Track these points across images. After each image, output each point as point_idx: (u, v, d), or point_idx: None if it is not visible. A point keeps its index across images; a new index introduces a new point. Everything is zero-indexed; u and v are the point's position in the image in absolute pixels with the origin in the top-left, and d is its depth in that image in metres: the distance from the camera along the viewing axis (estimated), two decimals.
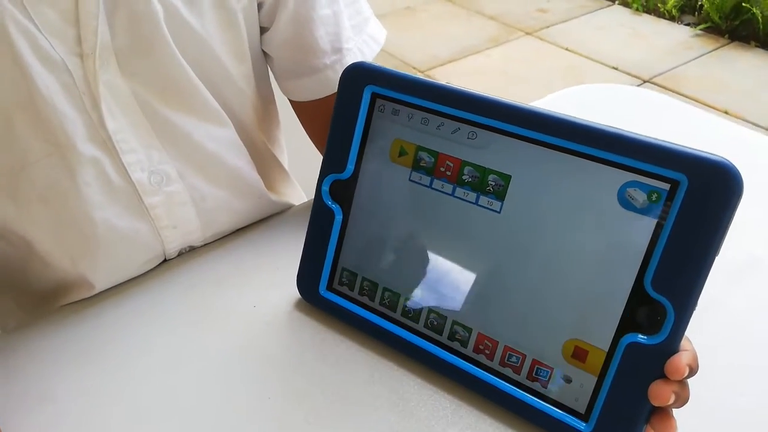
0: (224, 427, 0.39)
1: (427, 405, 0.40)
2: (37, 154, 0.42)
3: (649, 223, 0.33)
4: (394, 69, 0.39)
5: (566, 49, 2.62)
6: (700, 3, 2.77)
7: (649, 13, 2.89)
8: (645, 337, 0.33)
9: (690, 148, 0.32)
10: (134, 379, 0.42)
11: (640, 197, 0.33)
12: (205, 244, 0.54)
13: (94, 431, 0.39)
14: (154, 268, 0.52)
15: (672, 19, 2.81)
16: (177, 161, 0.48)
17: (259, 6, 0.49)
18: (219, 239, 0.55)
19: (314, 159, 0.59)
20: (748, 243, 0.52)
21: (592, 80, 2.39)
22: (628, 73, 2.42)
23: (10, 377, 0.43)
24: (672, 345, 0.33)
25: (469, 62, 2.56)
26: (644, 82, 2.37)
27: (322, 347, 0.44)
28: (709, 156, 0.31)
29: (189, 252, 0.54)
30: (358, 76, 0.40)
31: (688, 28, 2.74)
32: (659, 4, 2.86)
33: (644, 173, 0.33)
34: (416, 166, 0.40)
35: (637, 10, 2.91)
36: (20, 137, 0.41)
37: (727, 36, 2.62)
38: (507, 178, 0.36)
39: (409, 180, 0.40)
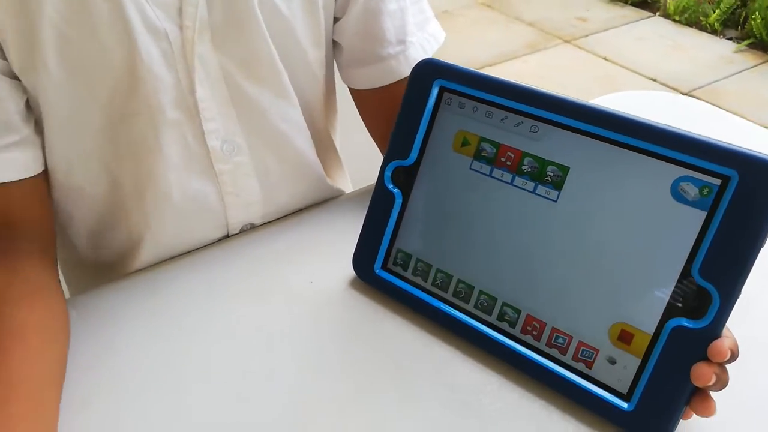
0: (281, 393, 0.42)
1: (475, 381, 0.43)
2: (131, 111, 0.47)
3: (699, 215, 0.35)
4: (462, 66, 0.42)
5: (604, 59, 2.61)
6: (743, 18, 2.74)
7: (691, 26, 2.87)
8: (690, 322, 0.36)
9: (741, 146, 0.34)
10: (195, 345, 0.46)
11: (692, 191, 0.35)
12: (265, 223, 0.58)
13: (156, 390, 0.43)
14: (217, 242, 0.56)
15: (714, 32, 2.79)
16: (249, 134, 0.52)
17: None
18: (278, 219, 0.59)
19: (361, 151, 0.62)
20: None
21: (629, 90, 2.39)
22: (667, 85, 2.41)
23: (79, 337, 0.46)
24: (716, 329, 0.35)
25: (507, 67, 2.57)
26: (683, 95, 2.36)
27: (375, 323, 0.47)
28: (759, 154, 0.33)
29: (249, 229, 0.57)
30: (428, 71, 0.43)
31: (730, 42, 2.72)
32: (701, 18, 2.84)
33: (697, 169, 0.35)
34: (478, 155, 0.42)
35: (678, 22, 2.89)
36: (121, 94, 0.46)
37: None
38: (565, 170, 0.39)
39: (470, 168, 0.43)
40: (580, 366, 0.40)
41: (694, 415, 0.37)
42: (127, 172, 0.50)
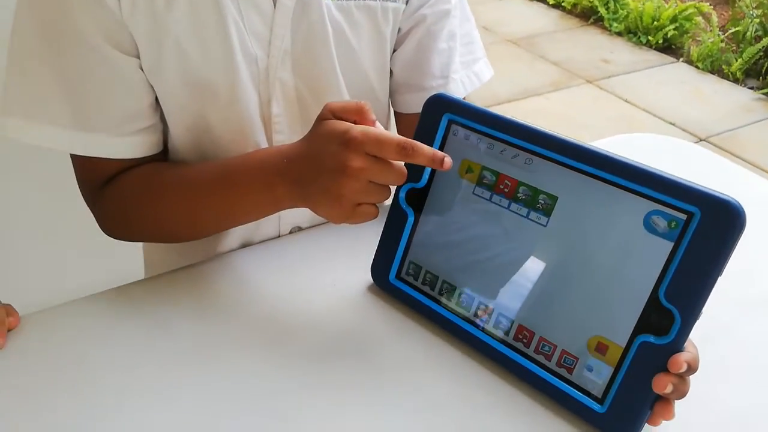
0: (301, 379, 0.48)
1: (471, 376, 0.48)
2: (224, 116, 0.57)
3: (666, 246, 0.41)
4: (468, 102, 0.49)
5: (625, 101, 2.67)
6: (766, 68, 2.79)
7: (714, 74, 2.92)
8: (655, 338, 0.41)
9: (705, 186, 0.40)
10: (230, 334, 0.52)
11: (662, 223, 0.41)
12: (311, 227, 0.65)
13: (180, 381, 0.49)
14: (262, 243, 0.63)
15: (736, 81, 2.84)
16: None
17: (398, 30, 0.61)
18: (319, 224, 0.65)
19: None
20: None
21: (647, 133, 2.44)
22: (685, 130, 2.46)
23: (132, 324, 0.53)
24: (677, 345, 0.40)
25: (529, 103, 2.64)
26: (700, 140, 2.40)
27: (387, 324, 0.53)
28: (719, 195, 0.39)
29: (295, 232, 0.65)
30: (439, 104, 0.50)
31: (751, 91, 2.76)
32: (724, 66, 2.89)
33: (666, 204, 0.41)
34: (480, 182, 0.49)
35: (701, 69, 2.94)
36: (224, 104, 0.56)
37: None
38: (554, 199, 0.45)
39: (473, 193, 0.49)
40: (563, 371, 0.45)
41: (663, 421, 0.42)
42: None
